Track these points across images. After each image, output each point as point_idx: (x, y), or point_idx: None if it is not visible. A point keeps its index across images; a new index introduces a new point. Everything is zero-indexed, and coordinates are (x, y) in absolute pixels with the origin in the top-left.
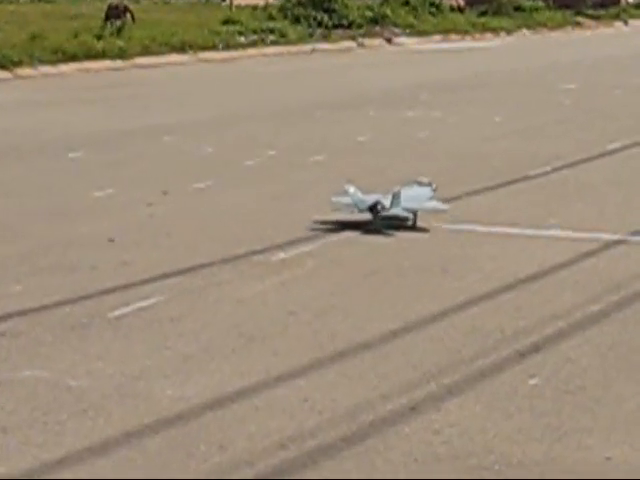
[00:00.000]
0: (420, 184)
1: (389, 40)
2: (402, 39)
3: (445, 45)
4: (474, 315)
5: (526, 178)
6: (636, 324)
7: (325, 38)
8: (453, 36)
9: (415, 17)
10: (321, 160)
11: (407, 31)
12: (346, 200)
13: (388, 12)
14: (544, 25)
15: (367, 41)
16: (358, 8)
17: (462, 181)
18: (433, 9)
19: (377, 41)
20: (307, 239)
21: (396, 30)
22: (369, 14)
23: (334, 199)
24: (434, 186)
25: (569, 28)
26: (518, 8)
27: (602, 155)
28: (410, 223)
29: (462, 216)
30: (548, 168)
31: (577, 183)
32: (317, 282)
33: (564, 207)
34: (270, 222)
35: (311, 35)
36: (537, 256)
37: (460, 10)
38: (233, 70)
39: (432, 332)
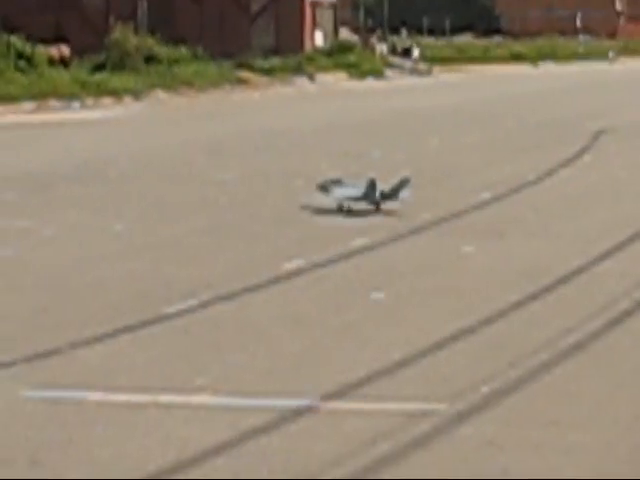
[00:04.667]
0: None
1: None
2: None
3: (40, 117)
4: None
5: (161, 318)
6: None
7: None
8: (53, 102)
9: None
10: None
11: None
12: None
13: None
14: (190, 84)
15: None
16: None
17: (65, 325)
18: (22, 62)
19: None
20: None
21: None
22: None
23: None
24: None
25: (228, 88)
26: (151, 59)
27: (275, 281)
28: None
29: (64, 378)
30: (194, 302)
31: (237, 324)
32: None
33: (218, 361)
34: None
35: None
36: (176, 436)
37: (64, 63)
38: None
39: None
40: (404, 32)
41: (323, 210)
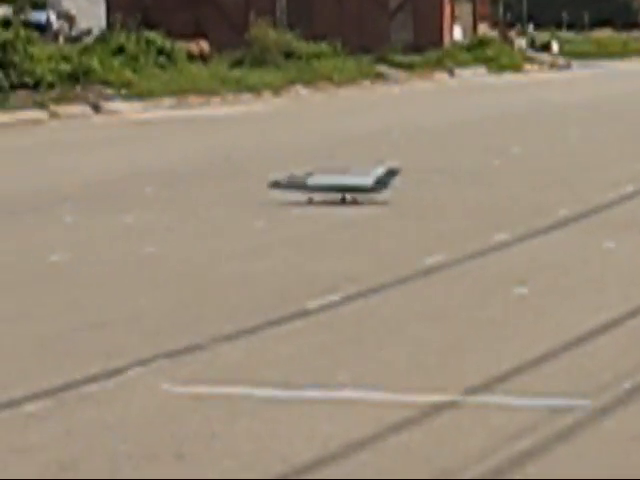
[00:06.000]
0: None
1: (96, 106)
2: (116, 104)
3: (181, 113)
4: None
5: (303, 313)
6: None
7: None
8: (193, 98)
9: (135, 71)
10: None
11: (123, 92)
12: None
13: (94, 64)
14: (329, 79)
15: (63, 108)
16: (49, 59)
17: (207, 320)
18: (162, 58)
19: (79, 108)
20: None
21: (107, 91)
22: (65, 67)
23: None
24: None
25: (367, 83)
26: (290, 55)
27: (416, 275)
28: None
29: (207, 374)
30: (335, 297)
31: (379, 320)
32: None
33: (360, 356)
34: None
35: None
36: (320, 431)
37: (203, 59)
38: None
39: None
40: (531, 27)
41: (462, 205)
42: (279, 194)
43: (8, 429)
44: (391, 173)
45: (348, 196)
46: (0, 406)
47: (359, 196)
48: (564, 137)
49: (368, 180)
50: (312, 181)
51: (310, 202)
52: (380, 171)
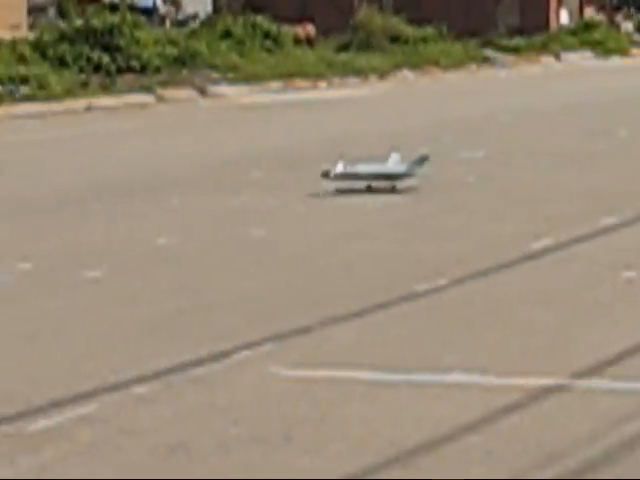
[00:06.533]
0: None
1: (203, 90)
2: (222, 88)
3: (287, 96)
4: None
5: (411, 296)
6: None
7: (106, 89)
8: (299, 82)
9: (242, 55)
10: (98, 277)
11: (229, 76)
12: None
13: (201, 48)
14: (436, 63)
15: (170, 92)
16: (155, 43)
17: (316, 303)
18: (269, 42)
19: (185, 92)
20: None
21: (213, 74)
22: (172, 51)
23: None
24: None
25: (473, 67)
26: (396, 39)
27: (524, 259)
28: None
29: (316, 356)
30: (443, 280)
31: (487, 303)
32: None
33: (468, 339)
34: None
35: (85, 85)
36: (430, 414)
37: (310, 43)
38: None
39: None
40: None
41: (568, 189)
42: (331, 183)
43: (118, 411)
44: (421, 160)
45: (374, 184)
46: (110, 388)
47: (387, 183)
48: None
49: (402, 167)
50: (361, 169)
51: (369, 189)
52: (412, 159)
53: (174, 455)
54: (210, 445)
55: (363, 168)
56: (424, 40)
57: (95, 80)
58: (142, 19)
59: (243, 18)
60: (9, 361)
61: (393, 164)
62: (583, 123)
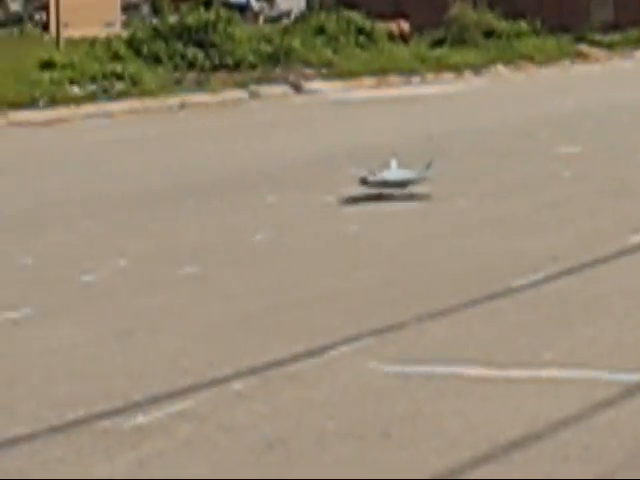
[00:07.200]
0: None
1: (297, 87)
2: (316, 84)
3: (381, 92)
4: None
5: (507, 292)
6: None
7: (200, 86)
8: (393, 78)
9: (335, 51)
10: (195, 274)
11: (324, 72)
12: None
13: (295, 44)
14: (530, 59)
15: (264, 89)
16: (249, 39)
17: (411, 299)
18: (363, 38)
19: (279, 88)
20: None
21: (307, 71)
22: (267, 48)
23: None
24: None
25: (567, 62)
26: (490, 34)
27: (621, 254)
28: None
29: (412, 352)
30: (540, 275)
31: (584, 298)
32: None
33: (565, 335)
34: None
35: (179, 82)
36: (526, 410)
37: (404, 39)
38: (60, 137)
39: None
40: None
41: None
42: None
43: (215, 407)
44: (428, 166)
45: (384, 192)
46: (207, 384)
47: (395, 191)
48: None
49: (411, 174)
50: (388, 176)
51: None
52: (419, 166)
53: (271, 452)
54: (307, 441)
55: (389, 175)
56: (518, 35)
57: (189, 77)
58: (236, 16)
59: (337, 14)
60: (107, 358)
61: (403, 171)
62: None
